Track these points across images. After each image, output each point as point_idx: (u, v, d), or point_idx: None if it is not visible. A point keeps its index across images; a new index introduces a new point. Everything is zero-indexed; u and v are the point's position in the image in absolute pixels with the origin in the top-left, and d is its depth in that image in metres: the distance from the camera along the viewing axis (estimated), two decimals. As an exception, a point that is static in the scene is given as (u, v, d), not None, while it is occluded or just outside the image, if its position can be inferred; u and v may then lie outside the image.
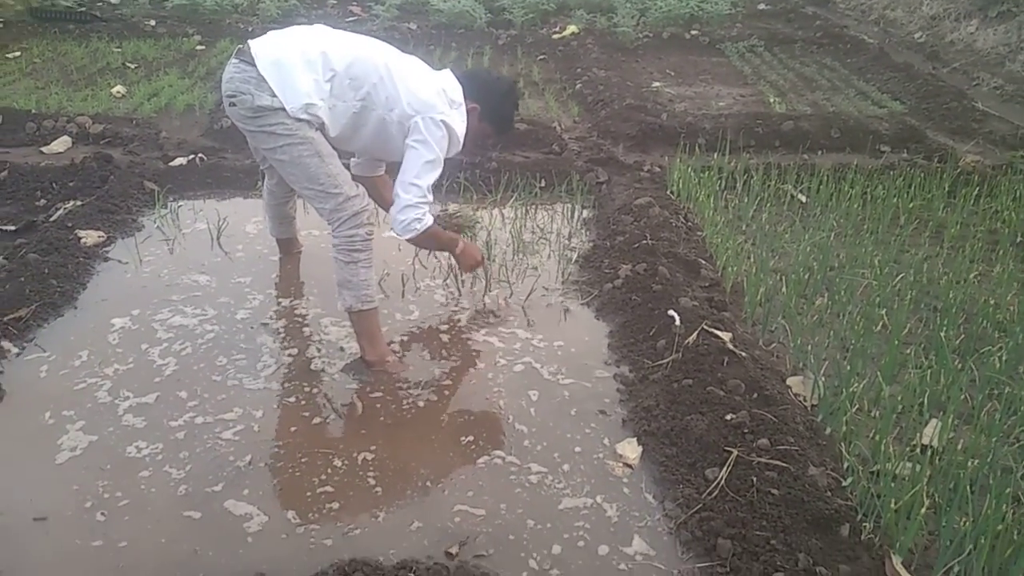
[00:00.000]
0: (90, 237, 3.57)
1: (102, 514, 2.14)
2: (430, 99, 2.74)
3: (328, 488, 2.28)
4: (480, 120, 2.95)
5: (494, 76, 3.13)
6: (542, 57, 7.40)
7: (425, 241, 2.94)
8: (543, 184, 4.41)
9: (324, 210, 2.74)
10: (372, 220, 2.77)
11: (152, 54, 6.82)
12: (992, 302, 3.22)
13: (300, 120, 2.64)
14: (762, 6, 9.97)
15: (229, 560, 2.02)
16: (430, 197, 2.75)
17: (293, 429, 2.53)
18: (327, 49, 2.69)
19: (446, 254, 3.27)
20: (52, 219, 3.74)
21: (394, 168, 2.83)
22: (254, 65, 2.63)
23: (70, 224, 3.63)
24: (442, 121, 2.73)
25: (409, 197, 2.71)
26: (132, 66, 6.46)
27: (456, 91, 2.87)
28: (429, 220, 2.77)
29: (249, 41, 2.73)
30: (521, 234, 3.85)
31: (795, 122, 5.22)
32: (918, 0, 8.92)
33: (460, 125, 2.82)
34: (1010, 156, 5.08)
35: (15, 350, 2.81)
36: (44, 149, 4.63)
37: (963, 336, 3.01)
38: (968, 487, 2.13)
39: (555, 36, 7.94)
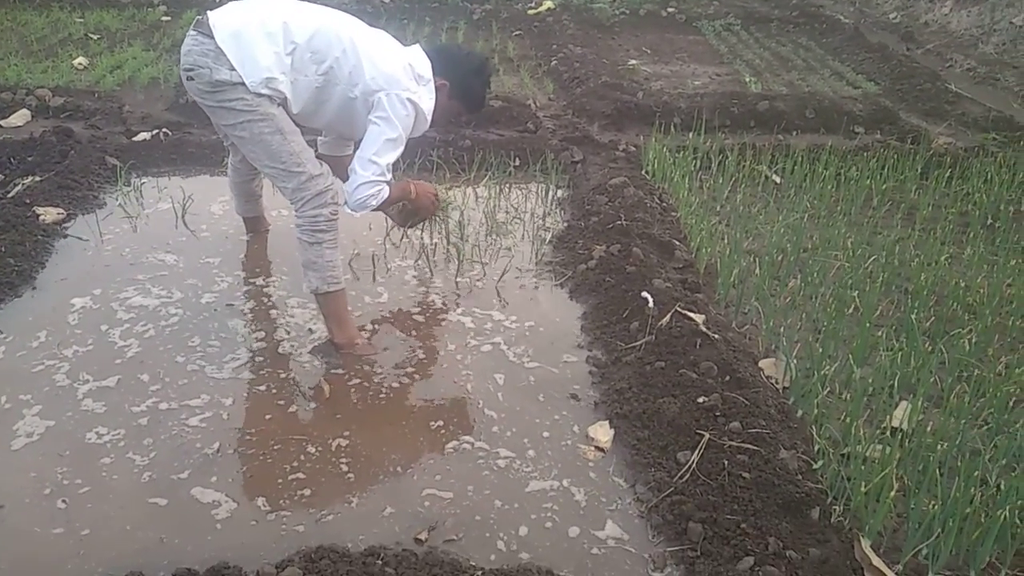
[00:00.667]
0: (49, 214, 3.46)
1: (63, 501, 2.08)
2: (395, 74, 2.65)
3: (298, 474, 2.23)
4: (450, 97, 2.87)
5: (465, 52, 3.02)
6: (517, 33, 7.31)
7: (381, 207, 2.81)
8: (517, 163, 4.36)
9: (287, 189, 2.66)
10: (337, 200, 2.69)
11: (115, 25, 6.63)
12: (962, 284, 3.24)
13: (260, 95, 2.55)
14: (739, -16, 9.92)
15: (195, 547, 1.97)
16: (388, 176, 2.68)
17: (260, 414, 2.47)
18: (288, 20, 2.59)
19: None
20: (10, 195, 3.63)
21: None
22: (212, 37, 2.53)
23: (28, 200, 3.53)
24: (408, 99, 2.64)
25: (367, 174, 2.62)
26: (95, 37, 6.28)
27: (424, 67, 2.77)
28: (385, 195, 2.68)
29: (208, 12, 2.62)
30: (495, 214, 3.80)
31: (770, 102, 5.21)
32: (893, -20, 8.93)
33: (428, 102, 2.74)
34: (982, 138, 5.12)
35: (-30, 332, 2.72)
36: (2, 123, 4.50)
37: (933, 318, 3.03)
38: (937, 470, 2.14)
39: (531, 11, 7.85)
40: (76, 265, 3.20)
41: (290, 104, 2.64)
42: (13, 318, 2.82)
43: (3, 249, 3.11)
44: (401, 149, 2.70)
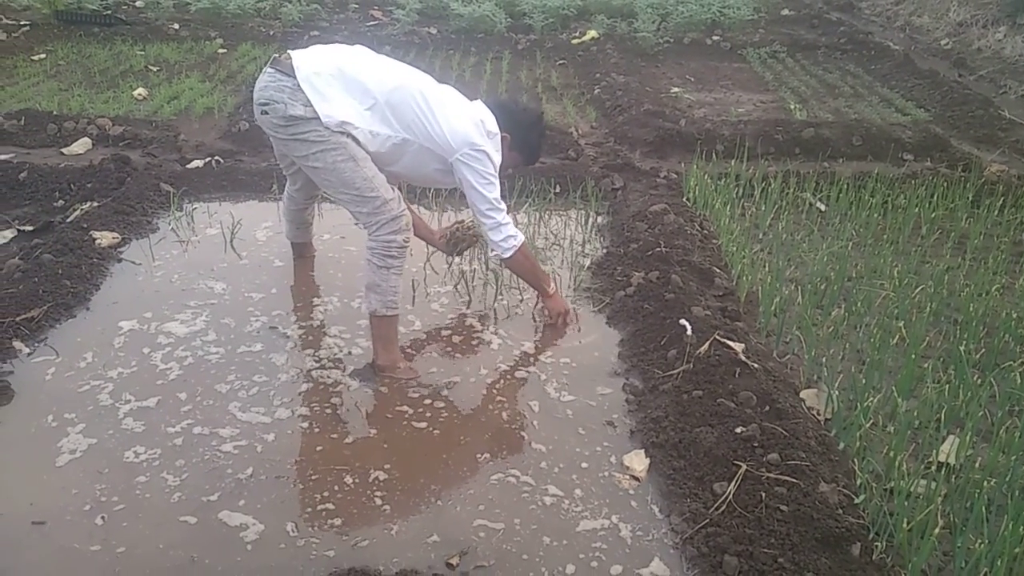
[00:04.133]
0: (105, 238, 3.59)
1: (101, 518, 2.13)
2: (471, 133, 2.79)
3: (330, 502, 2.25)
4: (510, 149, 3.01)
5: (522, 107, 3.18)
6: (561, 62, 7.38)
7: (522, 263, 3.03)
8: (558, 190, 4.38)
9: (361, 214, 2.75)
10: (409, 227, 2.78)
11: (174, 57, 6.88)
12: (1015, 315, 3.13)
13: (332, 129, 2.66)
14: (785, 11, 9.87)
15: (227, 568, 2.00)
16: (503, 206, 2.89)
17: (298, 438, 2.51)
18: (369, 76, 2.73)
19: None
20: (68, 220, 3.77)
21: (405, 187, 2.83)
22: (290, 76, 2.65)
23: (86, 225, 3.66)
24: (485, 152, 2.80)
25: (495, 218, 2.86)
26: (154, 69, 6.53)
27: (492, 122, 2.92)
28: (520, 236, 2.94)
29: (290, 51, 2.75)
30: (534, 240, 3.82)
31: (816, 129, 5.14)
32: (945, 7, 8.79)
33: (497, 155, 2.89)
34: (1037, 165, 4.97)
35: (27, 350, 2.82)
36: (64, 150, 4.68)
37: (984, 350, 2.93)
38: (984, 507, 2.07)
39: (575, 41, 7.91)
40: (128, 288, 3.31)
41: (363, 145, 2.74)
42: (65, 339, 2.92)
43: (60, 272, 3.23)
44: (498, 184, 2.88)
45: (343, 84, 2.70)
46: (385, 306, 2.78)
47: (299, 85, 2.64)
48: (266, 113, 2.70)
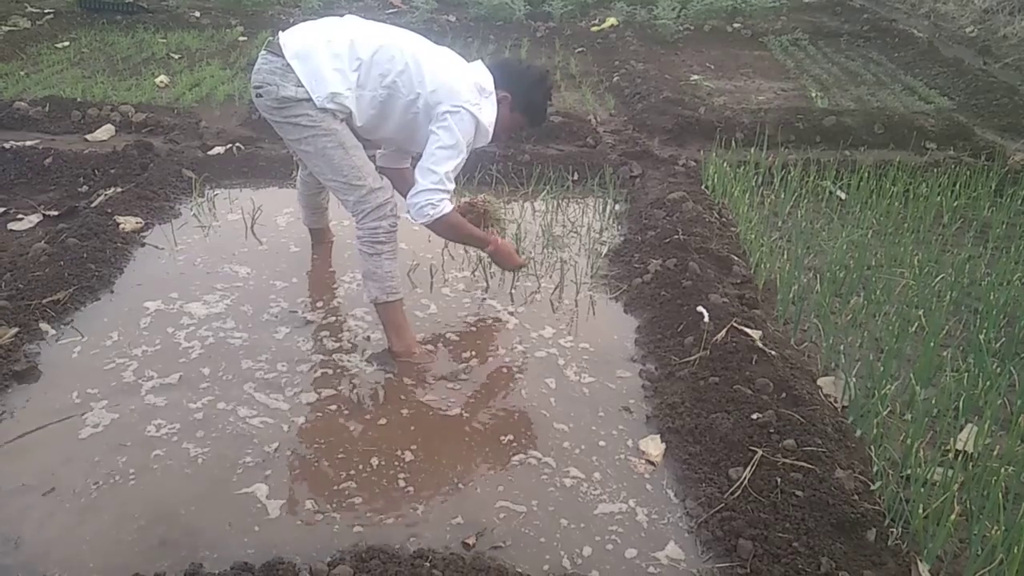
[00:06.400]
0: (128, 223, 3.64)
1: (116, 489, 2.19)
2: (457, 87, 2.70)
3: (350, 479, 2.29)
4: (512, 110, 2.91)
5: (525, 65, 3.07)
6: (580, 50, 7.36)
7: (448, 231, 2.90)
8: (576, 177, 4.38)
9: (348, 202, 2.75)
10: (396, 212, 2.77)
11: (196, 45, 6.93)
12: (1036, 305, 3.11)
13: (325, 111, 2.64)
14: (808, -1, 9.76)
15: (250, 539, 2.05)
16: (448, 185, 2.69)
17: (316, 419, 2.54)
18: (354, 38, 2.68)
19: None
20: (93, 205, 3.83)
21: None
22: (281, 56, 2.65)
23: (110, 210, 3.71)
24: (468, 110, 2.68)
25: (425, 182, 2.66)
26: (176, 56, 6.58)
27: (487, 80, 2.82)
28: (446, 208, 2.70)
29: (279, 32, 2.74)
30: (552, 227, 3.83)
31: (837, 117, 5.10)
32: (971, -7, 8.65)
33: (489, 115, 2.78)
34: (1063, 155, 4.90)
35: (53, 332, 2.87)
36: (88, 137, 4.74)
37: (1004, 339, 2.91)
38: (1001, 495, 2.06)
39: (594, 28, 7.88)
40: (151, 272, 3.36)
41: (354, 118, 2.73)
42: (91, 319, 2.98)
43: (85, 255, 3.29)
44: (461, 159, 2.73)
45: (330, 53, 2.65)
46: (384, 292, 2.78)
47: (288, 64, 2.63)
48: (260, 96, 2.69)
